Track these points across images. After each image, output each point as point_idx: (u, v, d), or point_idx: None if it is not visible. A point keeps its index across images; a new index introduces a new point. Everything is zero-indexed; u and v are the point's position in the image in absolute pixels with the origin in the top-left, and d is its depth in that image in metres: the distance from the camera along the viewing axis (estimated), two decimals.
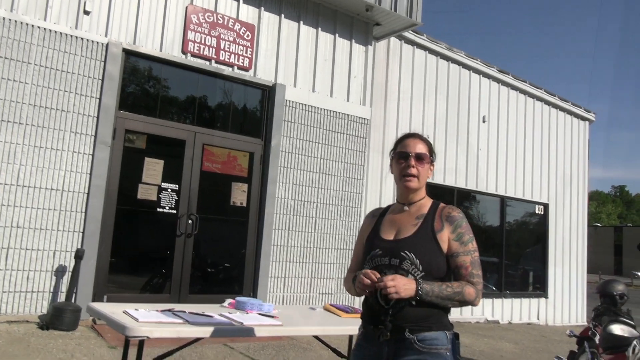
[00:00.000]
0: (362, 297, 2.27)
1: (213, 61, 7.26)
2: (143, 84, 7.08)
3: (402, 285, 2.03)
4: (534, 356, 7.17)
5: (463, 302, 2.13)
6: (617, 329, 4.79)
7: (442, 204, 2.31)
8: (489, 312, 10.45)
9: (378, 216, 2.41)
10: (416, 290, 2.06)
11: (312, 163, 8.02)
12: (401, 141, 2.35)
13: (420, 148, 2.29)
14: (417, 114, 9.64)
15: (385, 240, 2.25)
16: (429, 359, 2.09)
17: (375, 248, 2.25)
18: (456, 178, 10.17)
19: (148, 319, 2.93)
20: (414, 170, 2.25)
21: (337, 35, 8.42)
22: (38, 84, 6.05)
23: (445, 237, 2.19)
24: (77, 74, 6.28)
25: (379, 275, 2.09)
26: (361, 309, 2.35)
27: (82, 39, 6.33)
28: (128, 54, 6.71)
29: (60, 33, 6.21)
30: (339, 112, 8.33)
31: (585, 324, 5.54)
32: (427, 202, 2.32)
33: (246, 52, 7.51)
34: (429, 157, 2.31)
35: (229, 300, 3.87)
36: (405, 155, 2.28)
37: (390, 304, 2.10)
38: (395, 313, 2.10)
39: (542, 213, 11.81)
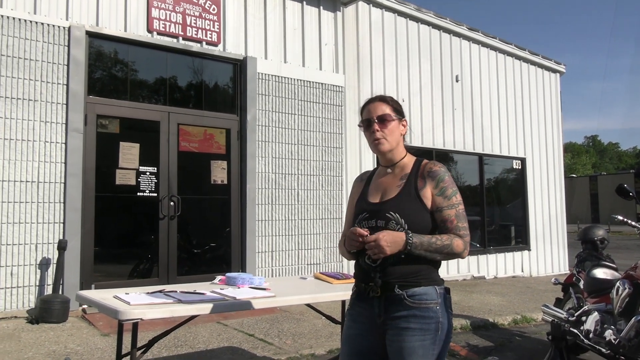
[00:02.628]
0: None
1: (180, 38, 7.10)
2: (110, 66, 6.90)
3: (387, 242, 2.04)
4: (521, 306, 7.35)
5: (451, 255, 2.14)
6: (600, 273, 4.91)
7: (424, 161, 2.31)
8: (474, 268, 10.65)
9: (366, 180, 2.43)
10: (405, 242, 2.06)
11: (290, 135, 7.96)
12: (364, 108, 2.35)
13: (383, 109, 2.29)
14: (391, 77, 9.59)
15: (372, 203, 2.28)
16: (418, 314, 2.10)
17: (363, 211, 2.27)
18: (434, 139, 10.21)
19: (140, 302, 2.91)
20: (379, 134, 2.26)
21: (304, 2, 8.28)
22: (1, 74, 5.85)
23: (428, 193, 2.19)
24: (40, 60, 6.09)
25: (366, 233, 2.09)
26: (353, 271, 2.39)
27: (42, 23, 6.12)
28: (92, 36, 6.52)
29: (19, 19, 5.99)
30: (313, 82, 8.25)
31: (568, 272, 5.67)
32: (410, 161, 2.33)
33: (213, 27, 7.35)
34: (393, 115, 2.29)
35: (219, 277, 3.86)
36: (369, 121, 2.30)
37: (377, 262, 2.14)
38: (384, 269, 2.13)
39: (520, 168, 11.97)
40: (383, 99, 2.33)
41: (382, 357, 2.19)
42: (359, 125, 2.38)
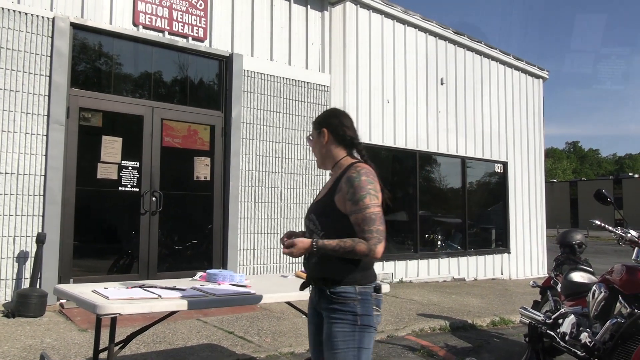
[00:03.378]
0: None
1: (166, 32, 7.05)
2: (94, 59, 6.82)
3: (297, 246, 2.32)
4: (500, 308, 7.43)
5: (360, 256, 2.27)
6: (577, 277, 4.98)
7: (353, 165, 2.41)
8: (455, 270, 10.74)
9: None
10: (310, 246, 2.29)
11: (275, 133, 7.95)
12: None
13: (310, 134, 2.62)
14: (377, 78, 9.63)
15: (312, 203, 2.55)
16: (337, 308, 2.33)
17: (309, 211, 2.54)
18: (417, 142, 10.27)
19: (119, 296, 2.88)
20: (311, 148, 2.62)
21: (292, 1, 8.27)
22: None
23: (341, 197, 2.32)
24: (23, 51, 6.01)
25: (285, 241, 2.39)
26: None
27: (25, 13, 6.03)
28: (76, 28, 6.44)
29: (2, 8, 5.89)
30: (299, 80, 8.25)
31: (547, 275, 5.75)
32: (345, 163, 2.46)
33: (200, 22, 7.32)
34: (314, 130, 2.58)
35: (199, 274, 3.85)
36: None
37: (310, 261, 2.43)
38: (314, 268, 2.41)
39: (502, 171, 12.10)
40: (314, 121, 2.63)
41: None
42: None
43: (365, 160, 2.48)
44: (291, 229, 7.94)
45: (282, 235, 2.48)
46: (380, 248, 2.25)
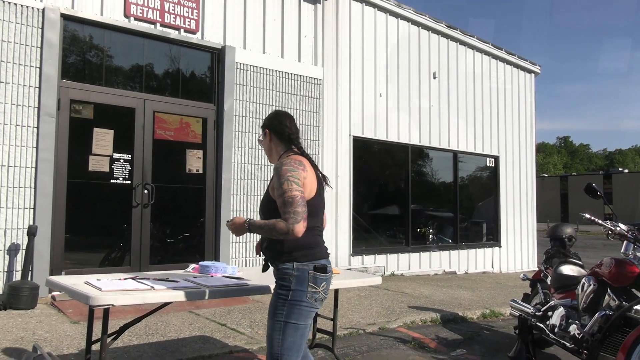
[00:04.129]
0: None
1: (158, 24, 7.01)
2: (85, 50, 6.78)
3: (234, 223, 2.79)
4: (491, 301, 7.49)
5: (281, 234, 2.57)
6: (567, 270, 5.04)
7: (283, 157, 2.81)
8: (446, 264, 10.80)
9: None
10: (243, 224, 2.72)
11: None
12: None
13: (260, 136, 2.96)
14: (369, 71, 9.63)
15: None
16: (279, 283, 2.70)
17: None
18: (409, 135, 10.29)
19: (111, 288, 2.88)
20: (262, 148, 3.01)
21: None
22: None
23: (272, 186, 2.70)
24: (13, 42, 5.96)
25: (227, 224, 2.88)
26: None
27: (15, 4, 5.98)
28: (67, 19, 6.39)
29: None
30: (291, 73, 8.24)
31: (537, 269, 5.81)
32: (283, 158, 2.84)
33: (192, 14, 7.28)
34: (261, 136, 2.94)
35: (192, 266, 3.85)
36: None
37: (263, 245, 2.83)
38: (264, 249, 2.80)
39: (493, 166, 12.16)
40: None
41: None
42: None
43: (301, 152, 2.83)
44: None
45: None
46: (298, 227, 2.54)
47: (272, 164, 2.88)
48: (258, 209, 2.87)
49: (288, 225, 2.54)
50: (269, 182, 2.87)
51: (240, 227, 2.75)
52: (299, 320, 2.62)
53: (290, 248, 2.66)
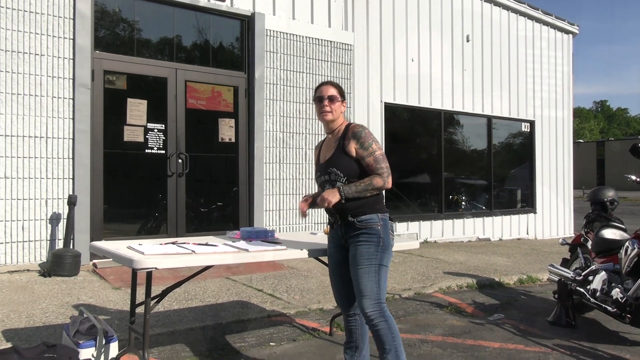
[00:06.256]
0: None
1: None
2: (117, 21, 6.79)
3: (328, 197, 2.88)
4: (527, 267, 7.40)
5: (376, 189, 2.93)
6: (609, 233, 4.90)
7: (351, 125, 3.08)
8: (480, 230, 10.69)
9: (319, 147, 3.28)
10: (339, 194, 2.89)
11: (298, 93, 7.89)
12: (317, 89, 3.15)
13: (331, 91, 3.09)
14: (400, 36, 9.43)
15: (320, 163, 3.15)
16: (365, 232, 2.93)
17: (317, 171, 3.19)
18: (442, 101, 10.10)
19: (154, 252, 2.93)
20: (327, 108, 3.06)
21: None
22: (7, 28, 5.78)
23: (352, 148, 2.97)
24: (46, 14, 6.00)
25: (303, 212, 3.16)
26: None
27: None
28: None
29: None
30: (321, 39, 8.12)
31: (574, 235, 5.68)
32: (343, 127, 3.11)
33: None
34: (339, 96, 3.10)
35: (234, 232, 3.87)
36: (321, 99, 3.09)
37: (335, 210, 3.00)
38: (341, 207, 2.95)
39: (529, 131, 11.87)
40: (333, 83, 3.14)
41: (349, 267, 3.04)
42: (313, 101, 3.18)
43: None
44: (316, 189, 7.96)
45: (301, 202, 3.17)
46: (390, 179, 2.96)
47: (328, 130, 3.15)
48: (329, 176, 3.01)
49: (384, 179, 2.92)
50: (331, 150, 3.08)
51: (334, 196, 2.87)
52: (388, 263, 2.97)
53: (372, 202, 2.95)
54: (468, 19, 10.58)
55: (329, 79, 8.11)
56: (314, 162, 3.32)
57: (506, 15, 11.34)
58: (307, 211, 3.13)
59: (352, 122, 3.15)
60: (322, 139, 3.33)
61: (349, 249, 3.01)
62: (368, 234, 2.92)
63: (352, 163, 2.96)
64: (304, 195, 8.03)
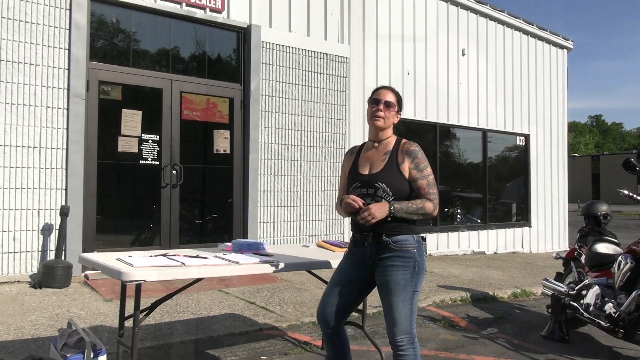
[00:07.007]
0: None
1: (184, 4, 6.99)
2: (113, 32, 6.80)
3: (376, 212, 2.67)
4: (521, 281, 7.38)
5: (425, 214, 2.78)
6: (602, 248, 4.90)
7: (403, 140, 2.91)
8: (474, 243, 10.68)
9: (355, 154, 3.03)
10: (389, 210, 2.70)
11: (294, 105, 7.90)
12: (376, 91, 2.96)
13: (390, 97, 2.90)
14: (397, 50, 9.47)
15: (362, 174, 2.88)
16: (400, 254, 2.75)
17: (356, 181, 2.88)
18: (438, 114, 10.13)
19: (143, 264, 2.90)
20: (381, 113, 2.87)
21: None
22: (2, 37, 5.78)
23: (406, 167, 2.81)
24: (42, 24, 6.01)
25: (362, 203, 2.73)
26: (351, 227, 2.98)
27: None
28: (94, 0, 6.41)
29: None
30: (318, 52, 8.15)
31: (568, 249, 5.66)
32: (392, 140, 2.93)
33: None
34: (396, 105, 2.91)
35: (225, 244, 3.84)
36: (377, 101, 2.89)
37: (368, 227, 2.76)
38: (375, 224, 2.72)
39: (524, 144, 11.90)
40: (394, 90, 2.96)
41: (361, 289, 2.91)
42: (369, 102, 2.95)
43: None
44: (311, 202, 7.95)
45: (347, 198, 2.78)
46: (438, 208, 2.82)
47: (374, 138, 2.93)
48: (375, 191, 2.77)
49: (435, 206, 2.79)
50: (378, 162, 2.87)
51: (382, 212, 2.68)
52: (421, 288, 2.81)
53: (409, 221, 2.79)
54: (464, 33, 10.65)
55: (324, 91, 8.15)
56: (344, 168, 3.04)
57: (501, 30, 11.43)
58: (362, 204, 2.74)
59: (400, 138, 2.94)
60: (357, 145, 3.11)
61: (373, 270, 2.82)
62: (404, 257, 2.74)
63: (404, 183, 2.79)
64: (299, 204, 8.06)
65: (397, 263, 2.74)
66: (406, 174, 2.79)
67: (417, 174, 2.79)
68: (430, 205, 2.77)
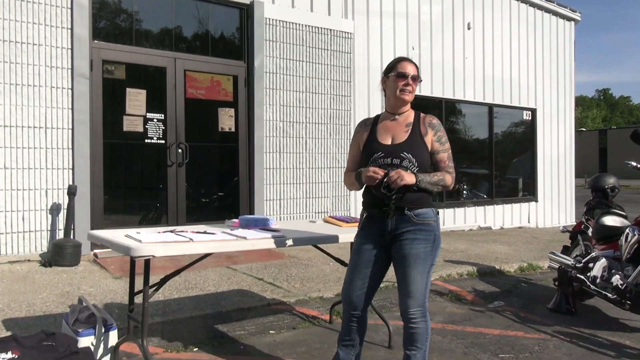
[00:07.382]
0: (363, 189, 2.95)
1: None
2: (115, 11, 6.74)
3: (404, 175, 2.67)
4: (528, 255, 7.39)
5: (444, 186, 2.85)
6: (610, 220, 4.89)
7: (422, 114, 2.96)
8: (481, 219, 10.68)
9: (371, 125, 3.00)
10: (415, 179, 2.71)
11: (298, 82, 7.85)
12: (398, 63, 2.93)
13: (415, 70, 2.92)
14: (401, 24, 9.36)
15: (384, 144, 2.87)
16: (422, 227, 2.79)
17: (377, 151, 2.85)
18: (443, 89, 10.04)
19: (152, 240, 2.92)
20: (410, 87, 2.89)
21: None
22: (4, 17, 5.75)
23: (429, 139, 2.87)
24: (44, 3, 5.97)
25: (384, 171, 2.71)
26: (362, 199, 2.99)
27: None
28: None
29: None
30: (321, 28, 8.07)
31: (575, 224, 5.66)
32: (412, 113, 2.97)
33: None
34: (417, 77, 2.93)
35: (232, 220, 3.86)
36: (405, 75, 2.88)
37: (393, 192, 2.73)
38: (397, 198, 2.76)
39: (530, 119, 11.81)
40: (413, 62, 2.98)
41: (382, 266, 2.89)
42: (390, 75, 2.92)
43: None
44: (316, 179, 7.96)
45: (369, 170, 2.73)
46: (454, 181, 2.89)
47: (394, 110, 2.93)
48: (401, 161, 2.76)
49: (453, 179, 2.87)
50: (400, 133, 2.88)
51: (411, 178, 2.67)
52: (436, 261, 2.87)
53: (427, 195, 2.84)
54: (469, 7, 10.50)
55: (328, 68, 8.08)
56: (357, 140, 3.01)
57: (507, 3, 11.24)
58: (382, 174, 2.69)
59: (418, 111, 2.98)
60: (370, 117, 3.12)
61: (391, 245, 2.82)
62: (425, 231, 2.77)
63: (427, 154, 2.83)
64: (304, 182, 8.08)
65: (419, 236, 2.76)
66: (429, 146, 2.85)
67: (439, 147, 2.87)
68: (450, 178, 2.84)
